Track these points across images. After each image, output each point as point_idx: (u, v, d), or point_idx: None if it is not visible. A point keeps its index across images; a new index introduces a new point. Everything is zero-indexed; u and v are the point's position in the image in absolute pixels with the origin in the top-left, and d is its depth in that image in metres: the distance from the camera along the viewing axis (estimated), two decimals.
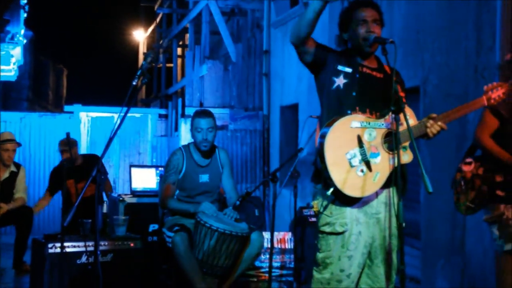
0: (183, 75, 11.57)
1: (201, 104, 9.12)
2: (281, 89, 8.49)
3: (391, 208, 2.79)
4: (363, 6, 2.81)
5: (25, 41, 7.36)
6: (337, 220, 2.76)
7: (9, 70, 7.65)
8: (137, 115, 10.06)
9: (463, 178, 3.51)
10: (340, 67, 2.79)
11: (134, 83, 2.81)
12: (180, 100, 10.01)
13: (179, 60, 12.72)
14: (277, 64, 8.63)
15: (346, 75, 2.79)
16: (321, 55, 2.81)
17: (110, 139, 2.75)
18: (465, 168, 3.50)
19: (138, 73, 2.81)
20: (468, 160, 3.51)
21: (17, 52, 7.41)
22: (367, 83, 2.80)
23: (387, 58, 2.74)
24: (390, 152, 2.71)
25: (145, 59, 2.96)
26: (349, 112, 2.74)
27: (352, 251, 2.75)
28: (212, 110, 4.60)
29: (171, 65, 12.35)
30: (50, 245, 3.87)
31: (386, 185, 2.75)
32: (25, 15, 7.23)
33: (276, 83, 8.67)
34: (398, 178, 2.65)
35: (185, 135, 8.74)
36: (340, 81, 2.78)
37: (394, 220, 2.77)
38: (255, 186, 5.33)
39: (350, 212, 2.75)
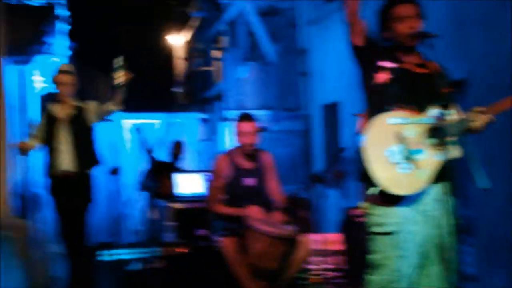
0: (220, 78, 11.60)
1: (240, 107, 9.10)
2: (321, 87, 8.41)
3: (444, 204, 2.71)
4: (401, 3, 2.77)
5: (69, 53, 7.50)
6: (387, 220, 2.70)
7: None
8: (178, 120, 10.14)
9: None
10: (383, 63, 2.74)
11: (179, 90, 2.81)
12: (219, 104, 10.04)
13: (216, 63, 12.76)
14: (316, 63, 8.55)
15: (389, 70, 2.73)
16: (367, 51, 2.76)
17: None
18: None
19: (184, 79, 2.80)
20: None
21: (54, 62, 7.54)
22: (410, 78, 2.76)
23: (431, 53, 2.67)
24: (436, 148, 2.64)
25: (195, 66, 2.96)
26: (390, 108, 2.69)
27: (405, 251, 2.69)
28: (252, 112, 4.59)
29: (208, 68, 12.41)
30: (101, 252, 3.92)
31: (436, 181, 2.67)
32: (67, 26, 7.35)
33: (315, 82, 8.59)
34: (449, 174, 2.57)
35: (226, 138, 8.75)
36: (383, 77, 2.72)
37: (448, 217, 2.69)
38: (300, 188, 5.28)
39: (400, 211, 2.69)
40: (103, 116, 4.85)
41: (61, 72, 4.88)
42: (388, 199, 2.67)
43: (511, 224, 4.61)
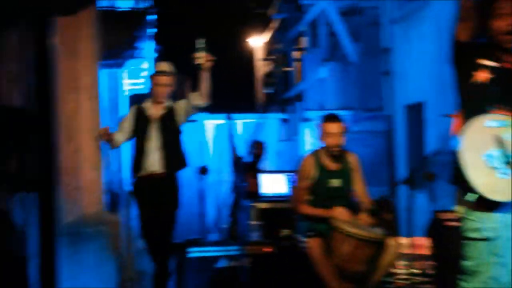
0: (300, 78, 11.61)
1: (321, 107, 9.07)
2: (404, 87, 8.21)
3: None
4: None
5: (155, 55, 7.77)
6: (485, 225, 2.61)
7: (140, 84, 8.11)
8: (259, 120, 10.24)
9: None
10: (482, 61, 2.64)
11: (270, 91, 2.83)
12: (299, 104, 10.04)
13: (296, 64, 12.78)
14: (399, 62, 8.36)
15: (488, 69, 2.63)
16: (470, 48, 2.68)
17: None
18: None
19: (274, 81, 2.82)
20: None
21: (146, 66, 7.82)
22: (510, 78, 2.62)
23: None
24: None
25: (278, 66, 2.97)
26: (489, 109, 2.58)
27: (503, 258, 2.58)
28: (330, 112, 4.57)
29: (288, 69, 12.45)
30: (190, 250, 4.03)
31: None
32: (154, 30, 7.61)
33: (398, 81, 8.40)
34: None
35: (307, 139, 8.74)
36: (483, 75, 2.62)
37: None
38: (385, 190, 5.18)
39: (498, 217, 2.59)
40: (191, 113, 4.67)
41: (159, 72, 4.64)
42: (485, 204, 2.57)
43: None
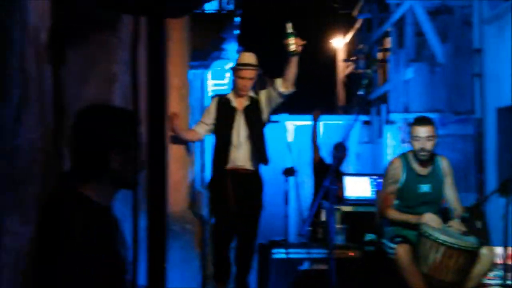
0: (384, 80, 11.36)
1: (406, 109, 8.82)
2: (497, 89, 7.82)
3: None
4: None
5: (236, 56, 7.86)
6: None
7: (224, 84, 8.25)
8: (340, 122, 10.11)
9: None
10: None
11: (361, 93, 2.76)
12: (384, 106, 9.82)
13: (380, 65, 12.52)
14: (491, 63, 7.98)
15: None
16: None
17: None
18: None
19: (365, 82, 2.75)
20: None
21: (230, 67, 7.92)
22: None
23: None
24: None
25: (369, 67, 2.89)
26: None
27: None
28: (418, 115, 4.41)
29: (373, 70, 12.22)
30: (274, 251, 4.03)
31: None
32: (238, 32, 7.71)
33: (490, 83, 8.02)
34: None
35: (390, 142, 8.53)
36: None
37: None
38: (476, 196, 4.94)
39: None
40: (275, 102, 4.48)
41: (243, 65, 4.43)
42: None
43: None
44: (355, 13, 13.58)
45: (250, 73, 4.44)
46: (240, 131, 4.40)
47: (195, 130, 4.60)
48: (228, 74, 7.96)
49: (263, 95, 4.52)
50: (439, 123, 8.23)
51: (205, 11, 7.05)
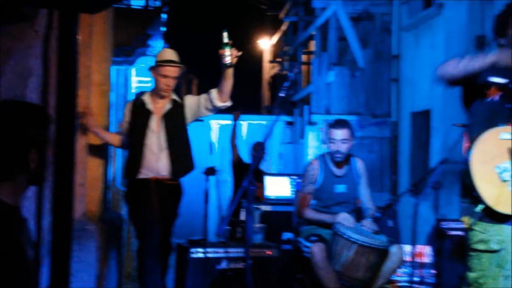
0: (308, 82, 11.61)
1: (327, 112, 9.07)
2: (411, 94, 8.21)
3: None
4: None
5: None
6: (492, 237, 2.61)
7: (148, 82, 8.14)
8: (264, 122, 10.25)
9: None
10: (492, 79, 2.63)
11: (282, 95, 2.82)
12: (306, 108, 10.05)
13: (304, 67, 12.79)
14: (407, 69, 8.36)
15: (499, 86, 2.62)
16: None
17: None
18: None
19: (287, 84, 2.82)
20: None
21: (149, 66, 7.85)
22: None
23: None
24: None
25: (291, 70, 2.96)
26: (501, 125, 2.58)
27: (509, 271, 2.58)
28: (338, 117, 4.57)
29: (296, 72, 12.45)
30: (192, 250, 4.04)
31: None
32: (164, 29, 7.64)
33: (406, 88, 8.40)
34: None
35: (311, 143, 8.74)
36: (493, 93, 2.62)
37: None
38: (389, 197, 5.17)
39: (507, 229, 2.59)
40: (205, 113, 4.08)
41: (165, 61, 3.99)
42: (494, 216, 2.58)
43: None
44: (282, 15, 13.80)
45: (173, 71, 3.99)
46: (160, 137, 3.97)
47: (114, 135, 4.26)
48: None
49: (189, 101, 4.10)
50: (358, 125, 8.54)
51: (131, 7, 6.94)
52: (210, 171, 4.08)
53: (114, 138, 4.27)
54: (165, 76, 4.00)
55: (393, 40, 8.69)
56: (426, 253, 4.69)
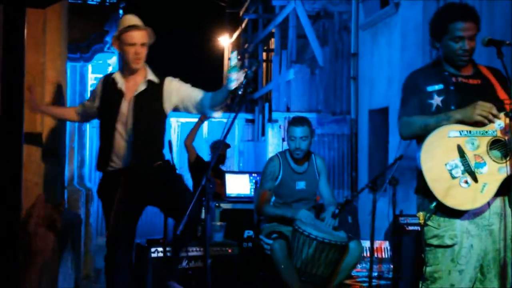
0: (268, 79, 11.65)
1: (287, 109, 9.12)
2: (370, 92, 8.33)
3: (505, 218, 2.65)
4: (461, 19, 2.66)
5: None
6: (446, 233, 2.66)
7: None
8: (224, 119, 10.22)
9: None
10: (430, 88, 2.70)
11: (240, 92, 2.78)
12: (266, 105, 10.08)
13: (264, 65, 12.82)
14: (365, 67, 8.47)
15: (439, 92, 2.70)
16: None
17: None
18: None
19: (244, 82, 2.79)
20: None
21: (113, 61, 7.72)
22: (464, 92, 2.70)
23: (503, 61, 2.60)
24: (499, 161, 2.58)
25: (249, 67, 2.93)
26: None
27: (463, 265, 2.65)
28: (298, 114, 4.59)
29: (255, 69, 12.48)
30: (152, 250, 3.99)
31: (498, 195, 2.62)
32: None
33: (364, 86, 8.52)
34: (510, 187, 2.51)
35: (272, 140, 8.77)
36: (436, 100, 2.70)
37: (508, 231, 2.63)
38: (350, 193, 5.23)
39: (460, 224, 2.65)
40: (192, 111, 3.54)
41: (129, 27, 3.38)
42: (448, 212, 2.63)
43: None
44: (241, 12, 13.80)
45: (140, 36, 3.38)
46: (125, 123, 3.42)
47: (69, 108, 3.79)
48: (110, 68, 7.73)
49: (172, 85, 3.49)
50: (317, 123, 8.62)
51: (87, 2, 6.79)
52: None
53: (69, 112, 3.82)
54: (132, 44, 3.39)
55: (352, 38, 8.80)
56: (384, 248, 4.77)
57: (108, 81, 3.53)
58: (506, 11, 5.27)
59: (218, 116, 3.57)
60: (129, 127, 3.43)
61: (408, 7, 6.97)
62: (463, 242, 2.64)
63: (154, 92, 3.47)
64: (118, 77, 3.50)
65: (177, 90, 3.50)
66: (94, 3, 6.85)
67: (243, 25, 14.17)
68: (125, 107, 3.44)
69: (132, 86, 3.46)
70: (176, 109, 3.58)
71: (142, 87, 3.46)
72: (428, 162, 2.61)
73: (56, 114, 3.86)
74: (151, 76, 3.49)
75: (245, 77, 2.92)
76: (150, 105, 3.46)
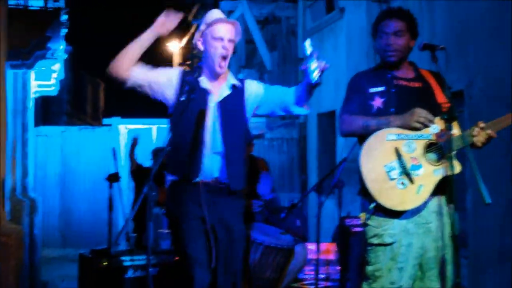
0: None
1: None
2: (317, 96, 8.45)
3: (442, 217, 2.72)
4: (387, 17, 2.79)
5: (65, 56, 7.50)
6: (386, 232, 2.72)
7: (50, 86, 7.81)
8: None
9: None
10: (372, 90, 2.77)
11: (182, 99, 2.72)
12: None
13: None
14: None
15: (380, 94, 2.77)
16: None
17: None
18: None
19: (187, 88, 2.74)
20: None
21: (57, 68, 7.55)
22: (405, 96, 2.77)
23: (437, 65, 2.69)
24: (434, 164, 2.66)
25: (192, 74, 2.88)
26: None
27: (402, 263, 2.70)
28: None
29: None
30: (97, 260, 3.91)
31: (436, 194, 2.69)
32: (66, 30, 7.37)
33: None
34: (451, 189, 2.59)
35: None
36: (377, 102, 2.76)
37: (446, 229, 2.71)
38: (296, 196, 5.29)
39: (398, 223, 2.71)
40: (279, 113, 3.05)
41: (219, 21, 2.90)
42: (386, 211, 2.69)
43: (503, 236, 4.63)
44: (190, 18, 13.74)
45: (230, 31, 2.90)
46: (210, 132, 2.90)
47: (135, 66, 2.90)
48: (54, 75, 7.55)
49: (254, 86, 3.01)
50: (266, 127, 8.66)
51: (28, 7, 6.63)
52: (113, 177, 3.97)
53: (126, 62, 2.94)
54: (220, 39, 2.88)
55: (299, 43, 8.90)
56: (331, 250, 4.83)
57: (187, 76, 2.91)
58: (445, 16, 5.45)
59: (306, 112, 3.10)
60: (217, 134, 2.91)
61: (353, 13, 7.12)
62: (402, 240, 2.70)
63: (238, 96, 2.96)
64: (202, 76, 2.92)
65: (254, 90, 3.00)
66: (36, 8, 6.69)
67: (192, 30, 14.12)
68: (211, 111, 2.91)
69: (216, 88, 2.94)
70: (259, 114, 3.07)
71: (226, 91, 2.94)
72: (367, 164, 2.67)
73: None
74: (232, 78, 3.00)
75: (187, 83, 2.80)
76: (234, 110, 2.94)
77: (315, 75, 2.76)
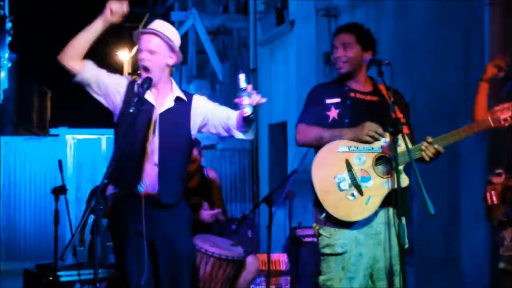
0: None
1: None
2: (269, 107, 8.51)
3: (391, 228, 2.78)
4: (338, 32, 2.90)
5: (9, 64, 7.31)
6: (337, 241, 2.76)
7: None
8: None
9: (494, 190, 3.15)
10: (328, 101, 2.83)
11: (131, 110, 2.66)
12: None
13: None
14: (264, 82, 8.65)
15: (336, 105, 2.83)
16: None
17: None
18: (495, 180, 3.15)
19: (135, 100, 2.69)
20: (498, 171, 3.17)
21: (1, 76, 7.35)
22: (360, 108, 2.83)
23: (383, 80, 2.75)
24: (383, 176, 2.72)
25: (141, 85, 2.83)
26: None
27: (352, 273, 2.75)
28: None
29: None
30: (43, 276, 3.79)
31: (385, 205, 2.74)
32: (10, 38, 7.18)
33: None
34: (398, 201, 2.64)
35: None
36: (333, 113, 2.82)
37: (395, 240, 2.76)
38: (247, 207, 5.29)
39: (349, 233, 2.75)
40: (222, 133, 3.01)
41: (140, 32, 2.90)
42: (338, 222, 2.73)
43: (448, 244, 4.77)
44: (140, 27, 13.62)
45: (150, 42, 2.85)
46: (149, 145, 2.87)
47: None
48: None
49: (202, 102, 3.00)
50: (218, 137, 8.65)
51: None
52: (60, 190, 3.86)
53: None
54: (141, 50, 2.90)
55: (251, 54, 8.96)
56: (282, 261, 4.85)
57: (132, 85, 2.92)
58: (391, 31, 5.60)
59: (249, 137, 3.00)
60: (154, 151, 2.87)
61: (302, 26, 7.22)
62: (352, 250, 2.74)
63: (183, 108, 2.94)
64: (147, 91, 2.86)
65: (202, 107, 2.98)
66: None
67: None
68: (152, 125, 2.88)
69: (162, 102, 2.91)
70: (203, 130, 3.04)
71: (169, 104, 2.91)
72: (318, 175, 2.71)
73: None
74: (178, 91, 2.96)
75: (137, 94, 2.75)
76: (176, 122, 2.91)
77: (247, 111, 2.68)
